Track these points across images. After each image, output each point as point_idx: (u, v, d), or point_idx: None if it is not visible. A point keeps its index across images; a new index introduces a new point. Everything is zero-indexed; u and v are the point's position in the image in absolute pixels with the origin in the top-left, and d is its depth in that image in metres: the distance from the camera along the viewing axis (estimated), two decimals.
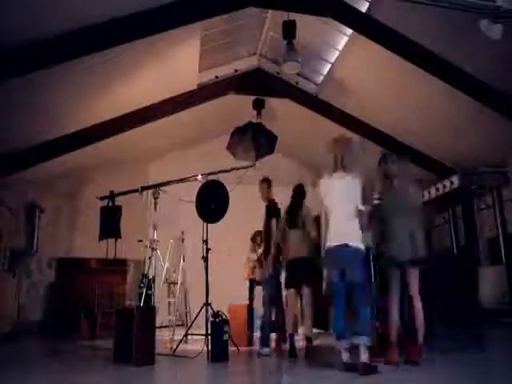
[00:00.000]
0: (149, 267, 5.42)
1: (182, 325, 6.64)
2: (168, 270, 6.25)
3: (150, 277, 5.19)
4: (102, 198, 5.63)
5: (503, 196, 7.19)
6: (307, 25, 5.99)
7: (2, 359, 4.66)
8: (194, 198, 5.01)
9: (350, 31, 6.18)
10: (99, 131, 6.89)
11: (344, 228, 3.51)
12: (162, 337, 5.56)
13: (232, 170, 5.26)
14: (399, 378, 3.25)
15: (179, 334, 5.41)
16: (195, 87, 7.23)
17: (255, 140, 6.94)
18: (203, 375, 3.88)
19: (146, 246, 5.75)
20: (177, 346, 4.77)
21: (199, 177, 5.18)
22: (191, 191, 5.12)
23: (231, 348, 4.42)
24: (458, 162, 7.50)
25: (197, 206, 4.94)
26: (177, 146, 9.02)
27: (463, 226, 8.07)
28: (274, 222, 4.86)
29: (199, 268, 5.04)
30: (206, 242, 4.90)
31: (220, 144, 7.43)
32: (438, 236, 8.87)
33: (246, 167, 5.51)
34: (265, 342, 4.63)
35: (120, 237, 5.95)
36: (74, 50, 4.91)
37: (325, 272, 4.27)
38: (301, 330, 5.38)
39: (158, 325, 4.95)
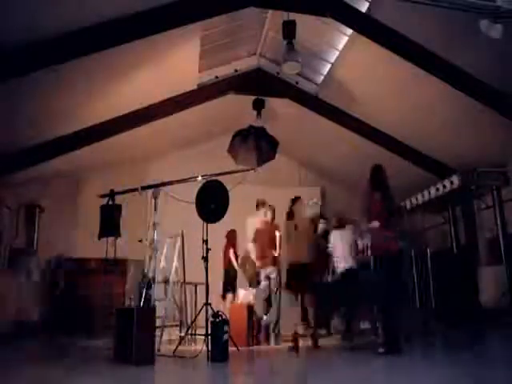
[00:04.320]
0: (149, 267, 5.43)
1: (182, 325, 6.63)
2: (167, 269, 6.23)
3: (150, 276, 5.20)
4: (102, 196, 5.63)
5: (503, 196, 7.19)
6: (307, 25, 5.99)
7: (2, 359, 4.65)
8: (194, 198, 5.01)
9: (350, 31, 6.17)
10: (99, 131, 6.89)
11: None
12: (162, 337, 5.56)
13: (232, 172, 5.28)
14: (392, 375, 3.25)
15: (178, 334, 5.41)
16: (195, 87, 7.23)
17: (257, 145, 6.91)
18: (203, 375, 3.88)
19: (147, 246, 5.75)
20: (177, 346, 4.77)
21: (199, 178, 5.19)
22: (191, 191, 5.11)
23: (231, 348, 4.42)
24: (457, 162, 7.50)
25: (197, 206, 4.94)
26: (177, 146, 9.02)
27: (463, 226, 8.07)
28: None
29: (199, 268, 5.04)
30: (206, 242, 4.90)
31: (220, 144, 7.42)
32: (438, 236, 8.89)
33: (247, 170, 5.54)
34: None
35: (120, 235, 5.95)
36: (73, 50, 4.91)
37: None
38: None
39: (157, 325, 4.95)
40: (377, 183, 4.56)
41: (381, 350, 4.10)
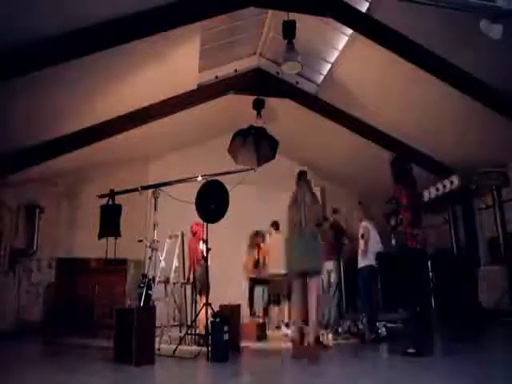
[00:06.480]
0: (149, 267, 5.43)
1: (182, 325, 6.64)
2: (167, 269, 6.23)
3: (150, 277, 5.20)
4: (102, 196, 5.63)
5: (503, 196, 7.20)
6: (307, 25, 5.99)
7: (2, 359, 4.65)
8: (194, 198, 5.01)
9: (350, 31, 6.17)
10: (99, 131, 6.89)
11: None
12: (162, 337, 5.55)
13: (232, 172, 5.27)
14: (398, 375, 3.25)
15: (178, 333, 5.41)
16: (195, 87, 7.23)
17: (257, 145, 6.91)
18: (203, 375, 3.88)
19: (146, 246, 5.75)
20: (177, 346, 4.77)
21: (199, 178, 5.19)
22: (191, 191, 5.12)
23: None
24: (457, 161, 7.50)
25: (197, 206, 4.94)
26: (177, 146, 9.01)
27: (463, 226, 8.07)
28: None
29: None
30: (206, 241, 4.91)
31: (220, 144, 7.41)
32: (437, 236, 8.89)
33: (247, 170, 5.53)
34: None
35: (120, 235, 5.97)
36: (74, 50, 4.91)
37: None
38: None
39: (157, 325, 4.95)
40: (399, 175, 4.41)
41: (411, 350, 3.93)
